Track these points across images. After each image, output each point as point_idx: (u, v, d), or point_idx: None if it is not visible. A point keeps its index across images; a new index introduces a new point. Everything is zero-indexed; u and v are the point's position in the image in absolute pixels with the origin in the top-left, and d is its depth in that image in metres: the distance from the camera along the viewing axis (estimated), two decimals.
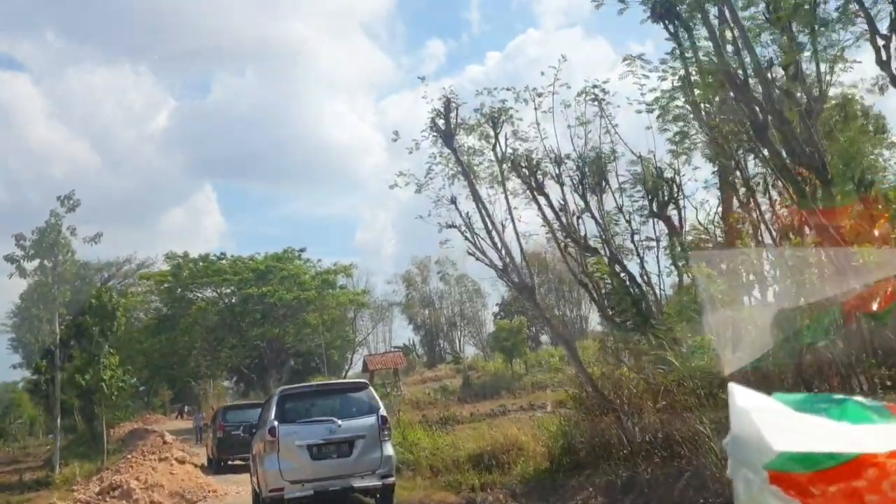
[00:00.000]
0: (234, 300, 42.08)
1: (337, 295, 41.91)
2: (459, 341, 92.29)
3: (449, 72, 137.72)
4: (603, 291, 11.45)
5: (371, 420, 10.91)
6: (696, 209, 10.65)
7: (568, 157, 10.80)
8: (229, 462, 19.31)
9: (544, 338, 69.75)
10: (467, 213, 12.58)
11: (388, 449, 11.01)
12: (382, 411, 11.17)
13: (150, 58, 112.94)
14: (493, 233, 12.12)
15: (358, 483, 10.61)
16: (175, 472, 14.64)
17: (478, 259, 12.80)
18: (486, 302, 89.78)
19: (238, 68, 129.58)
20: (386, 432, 11.10)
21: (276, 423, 10.63)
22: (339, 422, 10.73)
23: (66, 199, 30.12)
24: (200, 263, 40.26)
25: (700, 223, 10.53)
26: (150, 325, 42.31)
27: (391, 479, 10.89)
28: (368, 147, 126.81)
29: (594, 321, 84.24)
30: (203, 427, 27.33)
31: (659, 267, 10.70)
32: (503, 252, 12.25)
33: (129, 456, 24.54)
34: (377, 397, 11.62)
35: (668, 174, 10.58)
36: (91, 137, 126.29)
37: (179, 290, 40.10)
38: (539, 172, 10.80)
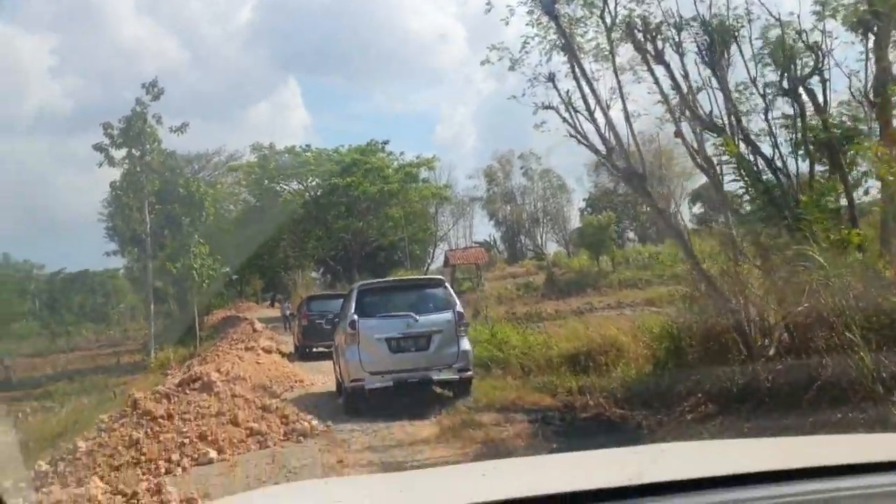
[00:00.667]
0: (318, 193, 41.87)
1: (420, 189, 41.17)
2: (541, 238, 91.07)
3: None
4: (725, 177, 10.02)
5: (447, 315, 11.17)
6: (849, 79, 8.98)
7: (692, 20, 9.27)
8: (313, 349, 19.40)
9: (631, 234, 68.21)
10: (567, 91, 11.25)
11: (465, 344, 11.24)
12: (459, 307, 11.39)
13: None
14: (598, 112, 10.77)
15: (435, 375, 10.89)
16: (261, 362, 14.40)
17: (579, 142, 11.49)
18: (570, 198, 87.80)
19: None
20: (462, 328, 11.32)
21: (356, 316, 11.01)
22: (417, 317, 11.03)
23: (150, 86, 29.89)
24: (286, 155, 40.00)
25: (852, 96, 8.91)
26: (238, 217, 42.75)
27: (468, 373, 11.15)
28: (450, 38, 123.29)
29: (685, 217, 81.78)
30: (290, 316, 27.60)
31: (796, 150, 9.18)
32: (609, 135, 10.90)
33: (219, 343, 25.08)
34: (453, 294, 11.83)
35: (812, 40, 8.94)
36: (179, 33, 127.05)
37: (266, 181, 40.12)
38: (659, 38, 9.31)
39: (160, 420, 8.28)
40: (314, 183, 41.47)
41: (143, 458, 7.63)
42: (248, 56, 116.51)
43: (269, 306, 52.50)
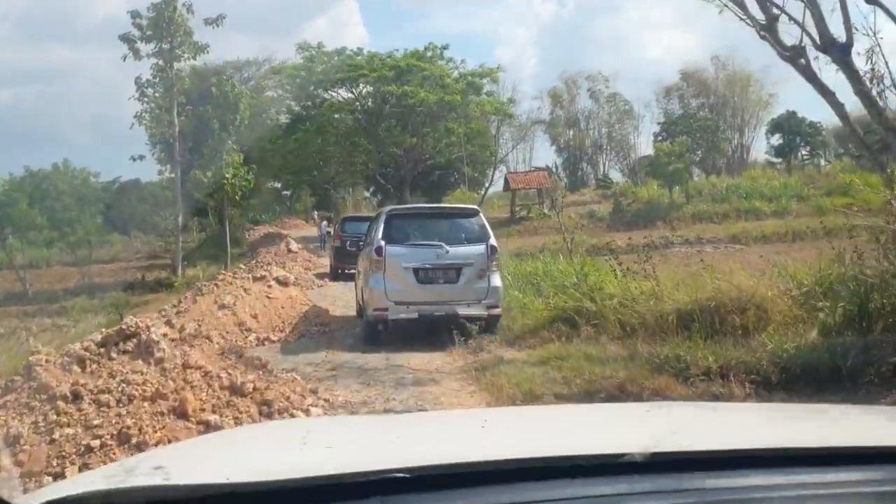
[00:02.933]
0: (370, 103, 38.12)
1: (482, 103, 36.92)
2: (604, 165, 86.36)
3: None
4: None
5: (480, 248, 10.58)
6: None
7: None
8: (346, 271, 18.29)
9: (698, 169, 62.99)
10: None
11: (496, 280, 10.68)
12: (492, 240, 10.76)
13: None
14: None
15: (463, 311, 10.18)
16: (273, 297, 11.17)
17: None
18: (637, 124, 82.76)
19: None
20: (494, 262, 10.69)
21: (383, 242, 10.38)
22: (448, 247, 10.44)
23: None
24: (336, 57, 35.99)
25: None
26: (282, 126, 39.35)
27: (497, 310, 10.56)
28: None
29: (759, 150, 76.25)
30: (326, 235, 24.71)
31: None
32: None
33: (235, 270, 22.11)
34: (488, 225, 11.11)
35: None
36: None
37: (312, 87, 36.37)
38: None
39: (61, 402, 5.06)
40: (366, 91, 37.57)
41: (17, 470, 4.48)
42: None
43: (313, 224, 50.02)
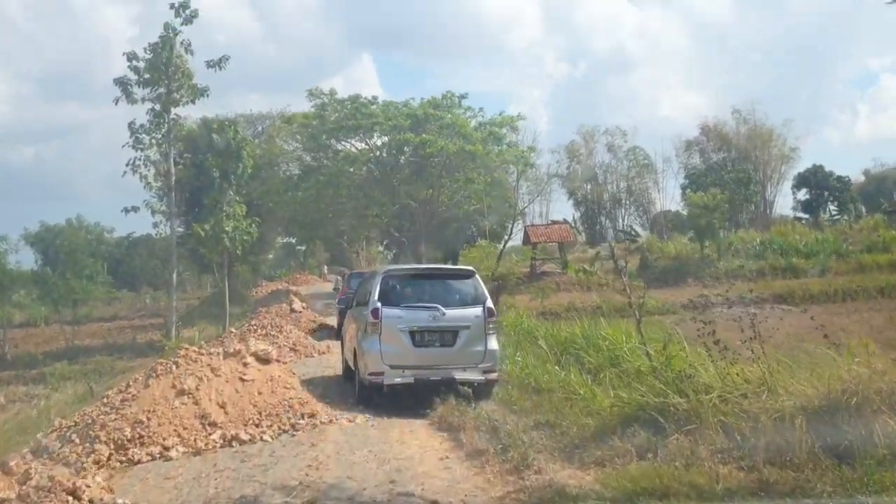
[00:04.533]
0: (384, 154, 36.00)
1: (502, 151, 34.72)
2: (623, 220, 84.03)
3: None
4: None
5: (477, 311, 10.43)
6: None
7: None
8: None
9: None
10: None
11: (493, 343, 10.52)
12: (489, 303, 10.65)
13: None
14: None
15: (459, 375, 10.06)
16: (249, 380, 8.61)
17: None
18: (656, 178, 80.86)
19: None
20: (491, 325, 10.52)
21: (379, 304, 10.18)
22: (444, 310, 10.22)
23: (181, 7, 24.41)
24: (349, 105, 33.99)
25: None
26: (292, 177, 37.24)
27: (494, 375, 10.41)
28: (523, 20, 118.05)
29: (783, 205, 73.84)
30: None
31: None
32: None
33: (220, 338, 19.63)
34: (484, 287, 10.94)
35: None
36: (253, 5, 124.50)
37: (324, 136, 34.37)
38: None
39: None
40: (380, 142, 35.51)
41: None
42: (322, 31, 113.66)
43: (326, 280, 47.74)
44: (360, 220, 37.81)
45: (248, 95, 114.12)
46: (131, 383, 8.61)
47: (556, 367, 11.41)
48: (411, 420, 9.08)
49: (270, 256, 69.82)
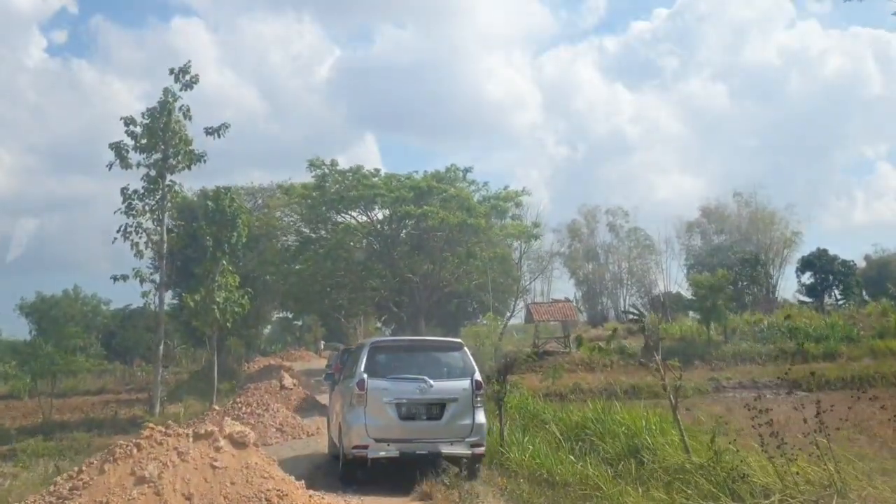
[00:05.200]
0: (385, 227, 35.21)
1: (506, 226, 33.94)
2: (625, 300, 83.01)
3: (611, 28, 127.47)
4: None
5: (465, 384, 10.10)
6: None
7: None
8: None
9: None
10: None
11: (481, 416, 10.13)
12: (477, 375, 10.28)
13: (314, 5, 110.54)
14: None
15: (446, 449, 9.74)
16: (222, 468, 7.45)
17: None
18: (658, 259, 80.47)
19: (399, 20, 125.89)
20: (479, 398, 10.14)
21: (365, 375, 9.86)
22: (431, 382, 9.92)
23: (181, 72, 23.98)
24: (350, 176, 33.37)
25: None
26: (290, 248, 36.36)
27: (481, 449, 9.99)
28: (524, 103, 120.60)
29: (786, 289, 73.04)
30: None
31: None
32: None
33: (237, 399, 18.43)
34: (471, 359, 10.61)
35: None
36: (259, 84, 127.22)
37: (324, 207, 33.67)
38: None
39: None
40: (381, 215, 34.82)
41: None
42: (327, 111, 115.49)
43: (322, 356, 46.39)
44: (358, 294, 36.76)
45: (251, 172, 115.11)
46: (84, 468, 7.42)
47: (571, 457, 10.22)
48: None
49: (266, 331, 68.59)
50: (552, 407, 17.31)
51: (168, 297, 35.81)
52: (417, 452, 9.69)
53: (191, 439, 7.68)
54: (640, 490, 7.16)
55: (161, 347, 25.28)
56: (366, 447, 9.58)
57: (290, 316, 62.24)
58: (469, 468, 9.90)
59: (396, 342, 12.15)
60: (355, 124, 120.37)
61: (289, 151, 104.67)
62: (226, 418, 8.69)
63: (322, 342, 56.42)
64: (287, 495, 7.54)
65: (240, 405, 15.66)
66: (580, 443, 11.63)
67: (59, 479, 7.56)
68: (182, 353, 59.92)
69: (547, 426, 13.56)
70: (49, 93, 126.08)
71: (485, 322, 36.03)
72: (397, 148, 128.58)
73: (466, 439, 9.83)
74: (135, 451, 7.43)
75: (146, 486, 7.05)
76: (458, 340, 11.77)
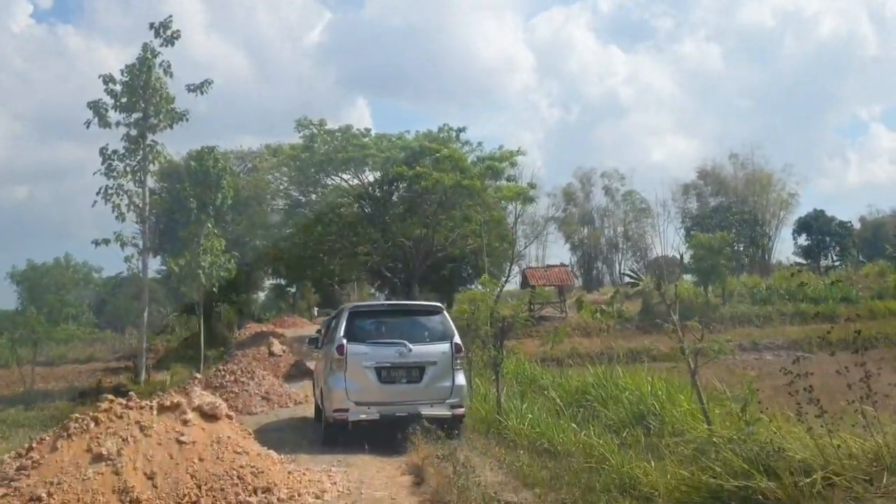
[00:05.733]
0: (377, 191, 34.24)
1: (502, 188, 33.04)
2: (620, 264, 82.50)
3: None
4: None
5: (444, 347, 10.34)
6: None
7: None
8: None
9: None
10: None
11: (460, 378, 10.43)
12: (456, 338, 10.48)
13: None
14: None
15: (426, 411, 9.88)
16: (189, 443, 6.73)
17: None
18: (654, 223, 80.00)
19: None
20: (459, 361, 10.43)
21: (344, 340, 10.06)
22: (411, 346, 10.16)
23: (161, 27, 22.88)
24: (339, 136, 32.31)
25: None
26: (279, 212, 35.39)
27: (461, 410, 10.29)
28: (516, 66, 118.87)
29: (782, 251, 72.59)
30: None
31: None
32: None
33: (220, 367, 17.73)
34: (451, 323, 10.80)
35: None
36: (249, 49, 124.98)
37: (313, 169, 32.66)
38: None
39: None
40: (372, 177, 33.79)
41: None
42: (317, 75, 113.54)
43: (315, 322, 45.74)
44: (350, 260, 35.89)
45: (241, 137, 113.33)
46: (35, 445, 6.69)
47: (573, 425, 9.54)
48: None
49: (260, 297, 67.81)
50: (550, 372, 16.71)
51: (157, 263, 35.09)
52: (397, 415, 9.81)
53: (155, 412, 6.95)
54: (652, 463, 6.45)
55: (146, 314, 24.53)
56: (346, 410, 9.78)
57: (284, 283, 61.70)
58: (450, 429, 9.76)
59: (376, 307, 12.35)
60: (346, 88, 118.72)
61: (279, 116, 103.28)
62: (195, 388, 7.94)
63: (316, 309, 55.83)
64: (263, 472, 6.83)
65: (223, 373, 14.97)
66: (581, 409, 11.02)
67: (6, 457, 6.83)
68: (175, 321, 59.33)
69: (546, 392, 12.97)
70: (35, 59, 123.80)
71: (480, 287, 35.25)
72: (389, 112, 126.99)
73: (447, 401, 10.07)
74: (92, 425, 6.69)
75: (104, 464, 6.34)
76: (438, 304, 11.88)
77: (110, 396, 7.31)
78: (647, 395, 10.35)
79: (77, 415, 6.94)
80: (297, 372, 19.78)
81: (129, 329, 62.33)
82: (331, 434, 10.20)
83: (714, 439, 5.88)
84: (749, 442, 5.27)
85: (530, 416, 10.28)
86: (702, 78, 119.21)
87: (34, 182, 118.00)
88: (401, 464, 8.62)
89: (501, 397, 11.24)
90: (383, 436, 9.64)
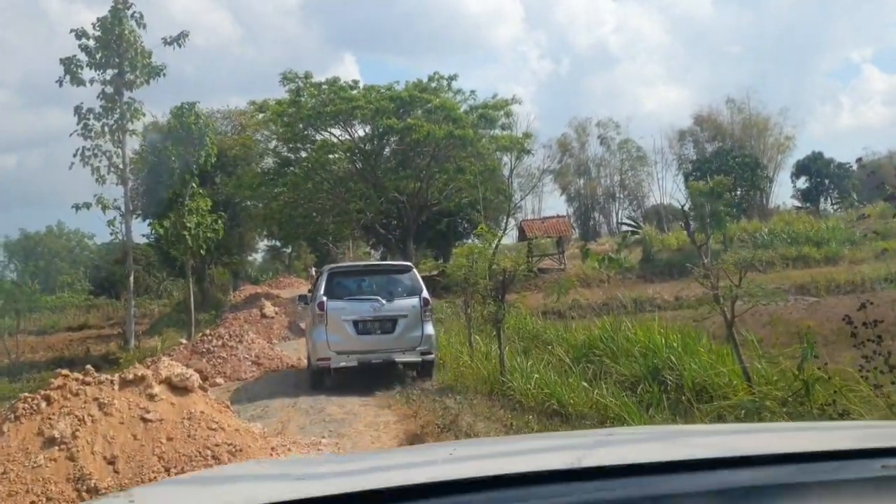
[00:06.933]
0: (367, 146, 33.19)
1: (497, 138, 31.98)
2: (617, 215, 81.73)
3: None
4: None
5: (413, 301, 11.51)
6: None
7: None
8: None
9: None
10: None
11: (429, 328, 11.55)
12: (425, 293, 11.64)
13: None
14: None
15: (399, 357, 11.27)
16: (155, 420, 5.95)
17: None
18: (651, 171, 79.26)
19: None
20: (427, 313, 11.54)
21: (324, 298, 11.31)
22: (384, 301, 11.38)
23: None
24: (326, 89, 31.09)
25: None
26: (268, 171, 34.36)
27: (430, 356, 11.49)
28: (504, 16, 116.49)
29: (780, 195, 71.77)
30: None
31: None
32: None
33: (207, 332, 17.01)
34: (420, 279, 12.00)
35: None
36: (232, 8, 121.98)
37: (301, 125, 31.55)
38: None
39: None
40: (362, 133, 32.71)
41: None
42: (302, 32, 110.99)
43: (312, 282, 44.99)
44: (343, 218, 35.02)
45: (228, 98, 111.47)
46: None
47: (583, 383, 8.80)
48: None
49: (255, 259, 67.06)
50: (554, 326, 16.03)
51: (145, 227, 34.14)
52: (373, 361, 11.14)
53: (116, 387, 6.14)
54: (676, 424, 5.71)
55: (131, 279, 23.70)
56: (328, 359, 11.04)
57: (279, 244, 60.87)
58: (421, 372, 11.40)
59: (352, 267, 13.71)
60: (333, 45, 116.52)
61: (265, 76, 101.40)
62: (163, 358, 7.13)
63: (313, 269, 55.22)
64: (241, 450, 6.04)
65: (209, 338, 14.20)
66: (590, 366, 10.28)
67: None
68: (171, 286, 58.66)
69: (550, 348, 12.26)
70: (15, 24, 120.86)
71: (476, 240, 34.47)
72: (377, 66, 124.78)
73: (417, 349, 11.28)
74: (43, 405, 5.89)
75: (57, 448, 5.55)
76: (408, 263, 13.39)
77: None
78: (660, 347, 9.62)
79: (26, 394, 6.15)
80: (292, 334, 19.12)
81: (124, 295, 61.70)
82: (317, 380, 11.37)
83: (767, 402, 5.08)
84: (807, 404, 4.50)
85: (536, 374, 9.52)
86: (692, 25, 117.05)
87: (23, 150, 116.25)
88: (399, 432, 7.90)
89: (504, 355, 10.53)
90: (362, 380, 11.06)
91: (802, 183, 65.16)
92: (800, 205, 63.83)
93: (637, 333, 11.05)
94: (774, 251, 41.90)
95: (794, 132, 65.02)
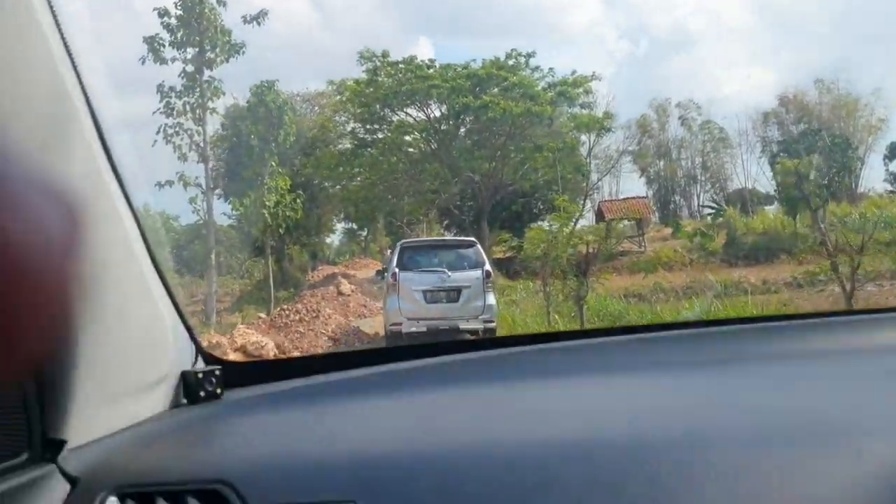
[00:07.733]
0: (442, 126, 33.00)
1: (576, 116, 31.30)
2: (698, 198, 79.40)
3: None
4: None
5: (476, 273, 12.60)
6: None
7: None
8: None
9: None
10: None
11: (491, 299, 12.62)
12: (487, 266, 12.81)
13: None
14: None
15: (463, 325, 12.07)
16: None
17: None
18: (734, 153, 76.73)
19: None
20: (489, 284, 12.61)
21: (396, 269, 12.52)
22: (450, 273, 12.53)
23: None
24: (403, 67, 31.05)
25: None
26: (345, 152, 34.59)
27: (493, 324, 12.39)
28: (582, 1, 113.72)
29: (872, 178, 68.38)
30: None
31: None
32: None
33: (284, 306, 17.18)
34: (483, 253, 13.21)
35: None
36: None
37: (378, 105, 31.61)
38: None
39: None
40: (438, 112, 32.53)
41: None
42: (379, 18, 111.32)
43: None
44: (418, 199, 34.99)
45: (308, 84, 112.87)
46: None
47: None
48: None
49: (332, 241, 67.97)
50: (637, 308, 15.56)
51: (226, 207, 34.86)
52: (441, 328, 11.98)
53: None
54: None
55: (213, 256, 24.17)
56: (400, 324, 12.01)
57: (355, 227, 61.58)
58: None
59: (422, 242, 15.24)
60: (408, 30, 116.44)
61: (343, 63, 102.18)
62: (239, 326, 7.02)
63: (389, 250, 55.58)
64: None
65: (287, 312, 14.28)
66: None
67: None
68: (252, 266, 59.99)
69: None
70: (101, 14, 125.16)
71: (550, 224, 33.92)
72: (453, 52, 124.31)
73: (480, 317, 12.25)
74: None
75: None
76: (472, 239, 14.79)
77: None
78: None
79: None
80: (368, 312, 19.17)
81: (207, 273, 63.41)
82: (390, 343, 12.13)
83: None
84: None
85: None
86: (776, 3, 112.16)
87: (111, 135, 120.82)
88: None
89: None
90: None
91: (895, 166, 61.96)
92: (892, 189, 60.77)
93: (730, 316, 10.50)
94: (867, 235, 39.86)
95: (887, 113, 61.62)
